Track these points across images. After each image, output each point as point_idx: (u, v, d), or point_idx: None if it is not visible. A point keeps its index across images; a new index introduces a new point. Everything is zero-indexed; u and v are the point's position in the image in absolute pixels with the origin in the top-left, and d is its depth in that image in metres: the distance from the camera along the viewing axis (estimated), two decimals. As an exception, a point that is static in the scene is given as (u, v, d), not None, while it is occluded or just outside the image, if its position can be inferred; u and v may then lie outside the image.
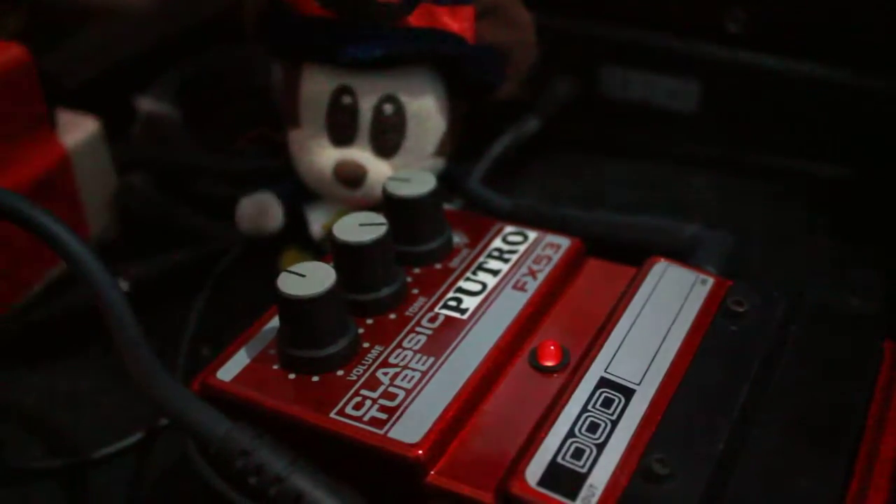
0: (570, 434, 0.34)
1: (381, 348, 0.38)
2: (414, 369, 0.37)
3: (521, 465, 0.33)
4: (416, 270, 0.43)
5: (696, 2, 0.63)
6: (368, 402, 0.36)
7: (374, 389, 0.36)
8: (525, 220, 0.48)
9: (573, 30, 0.66)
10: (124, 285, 0.54)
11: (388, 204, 0.43)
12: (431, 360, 0.38)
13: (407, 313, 0.40)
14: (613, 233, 0.50)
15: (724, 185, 0.64)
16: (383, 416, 0.35)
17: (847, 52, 0.61)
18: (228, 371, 0.38)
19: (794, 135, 0.64)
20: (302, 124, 0.50)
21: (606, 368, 0.37)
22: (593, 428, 0.35)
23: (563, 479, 0.33)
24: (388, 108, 0.48)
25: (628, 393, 0.36)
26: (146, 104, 0.67)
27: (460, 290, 0.41)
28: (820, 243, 0.58)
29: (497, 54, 0.49)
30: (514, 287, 0.41)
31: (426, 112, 0.48)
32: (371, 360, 0.38)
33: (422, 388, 0.36)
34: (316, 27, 0.47)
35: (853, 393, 0.38)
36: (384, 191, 0.43)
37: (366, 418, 0.35)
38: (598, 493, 0.32)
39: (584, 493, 0.32)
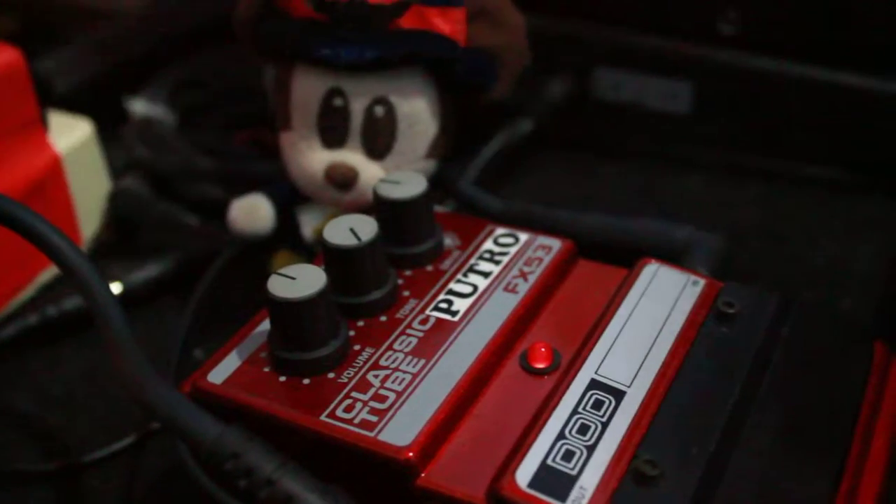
0: (561, 436, 0.34)
1: (371, 350, 0.38)
2: (405, 371, 0.37)
3: (511, 467, 0.33)
4: (408, 272, 0.43)
5: (688, 3, 0.63)
6: (359, 405, 0.36)
7: (364, 392, 0.36)
8: (516, 221, 0.48)
9: (566, 31, 0.66)
10: (116, 288, 0.54)
11: (379, 206, 0.43)
12: (422, 362, 0.38)
13: (398, 315, 0.40)
14: (605, 234, 0.50)
15: (718, 186, 0.64)
16: (374, 418, 0.35)
17: (840, 54, 0.61)
18: (219, 373, 0.38)
19: (786, 136, 0.64)
20: (293, 126, 0.50)
21: (597, 370, 0.37)
22: (584, 430, 0.35)
23: (554, 480, 0.33)
24: (380, 111, 0.48)
25: (619, 395, 0.36)
26: (139, 106, 0.67)
27: (451, 292, 0.41)
28: (811, 245, 0.58)
29: (489, 56, 0.49)
30: (506, 289, 0.42)
31: (417, 114, 0.48)
32: (362, 363, 0.38)
33: (412, 391, 0.36)
34: (308, 30, 0.47)
35: (844, 394, 0.38)
36: (375, 193, 0.43)
37: (356, 420, 0.35)
38: (588, 494, 0.32)
39: (574, 494, 0.32)
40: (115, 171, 0.62)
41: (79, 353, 0.53)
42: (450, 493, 0.34)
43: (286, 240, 0.52)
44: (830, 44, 0.61)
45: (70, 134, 0.58)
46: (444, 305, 0.41)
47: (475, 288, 0.42)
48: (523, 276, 0.42)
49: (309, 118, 0.49)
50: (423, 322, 0.40)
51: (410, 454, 0.34)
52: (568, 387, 0.36)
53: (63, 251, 0.38)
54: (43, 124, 0.56)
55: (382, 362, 0.38)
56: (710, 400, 0.36)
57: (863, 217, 0.60)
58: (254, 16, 0.49)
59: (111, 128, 0.64)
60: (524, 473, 0.33)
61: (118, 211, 0.60)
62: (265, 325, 0.40)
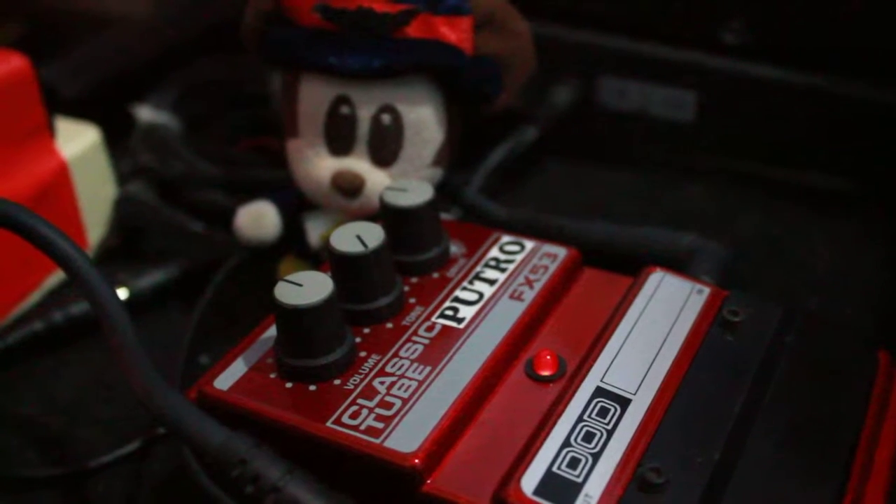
0: (566, 443, 0.34)
1: (377, 357, 0.39)
2: (411, 378, 0.37)
3: (517, 474, 0.33)
4: (414, 280, 0.43)
5: (693, 12, 0.64)
6: (365, 411, 0.36)
7: (370, 398, 0.37)
8: (522, 229, 0.48)
9: (571, 39, 0.66)
10: (122, 294, 0.54)
11: (386, 213, 0.43)
12: (428, 369, 0.38)
13: (404, 322, 0.40)
14: (610, 242, 0.50)
15: (721, 194, 0.64)
16: (380, 425, 0.35)
17: (844, 63, 0.61)
18: (226, 380, 0.38)
19: (789, 145, 0.64)
20: (300, 134, 0.50)
21: (602, 378, 0.37)
22: (589, 437, 0.35)
23: (559, 488, 0.33)
24: (386, 119, 0.48)
25: (624, 402, 0.36)
26: (145, 113, 0.67)
27: (457, 299, 0.42)
28: (816, 254, 0.58)
29: (495, 64, 0.49)
30: (511, 296, 0.42)
31: (424, 122, 0.49)
32: (368, 370, 0.38)
33: (418, 398, 0.36)
34: (315, 38, 0.48)
35: (848, 403, 0.38)
36: (381, 200, 0.43)
37: (362, 427, 0.35)
38: (594, 502, 0.32)
39: (579, 502, 0.32)
40: (122, 177, 0.62)
41: (85, 359, 0.53)
42: (455, 499, 0.34)
43: (292, 247, 0.52)
44: (834, 53, 0.61)
45: (76, 140, 0.58)
46: (449, 313, 0.41)
47: (481, 295, 0.42)
48: (529, 283, 0.42)
49: (316, 126, 0.49)
50: (429, 329, 0.40)
51: (416, 461, 0.34)
52: (573, 394, 0.36)
53: (70, 257, 0.38)
54: (50, 130, 0.56)
55: (388, 369, 0.38)
56: (715, 408, 0.36)
57: (864, 226, 0.60)
58: (261, 24, 0.50)
59: (117, 134, 0.64)
60: (529, 481, 0.33)
61: (124, 217, 0.61)
62: (271, 331, 0.40)
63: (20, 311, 0.55)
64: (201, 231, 0.57)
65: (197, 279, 0.54)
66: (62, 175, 0.56)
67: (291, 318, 0.37)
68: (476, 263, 0.44)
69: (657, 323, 0.40)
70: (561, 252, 0.44)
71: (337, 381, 0.37)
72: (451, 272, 0.43)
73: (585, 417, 0.35)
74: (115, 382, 0.51)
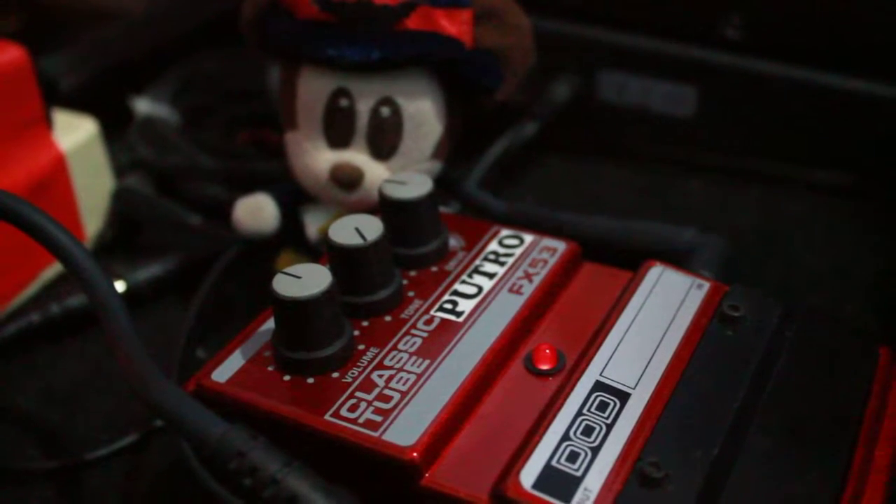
0: (566, 437, 0.34)
1: (376, 350, 0.38)
2: (409, 372, 0.37)
3: (516, 468, 0.33)
4: (412, 273, 0.43)
5: (693, 7, 0.63)
6: (363, 405, 0.36)
7: (369, 391, 0.36)
8: (521, 223, 0.48)
9: (571, 33, 0.66)
10: (120, 286, 0.54)
11: (385, 206, 0.43)
12: (427, 362, 0.38)
13: (402, 316, 0.40)
14: (609, 237, 0.50)
15: (721, 190, 0.64)
16: (378, 418, 0.35)
17: (844, 58, 0.61)
18: (224, 372, 0.38)
19: (790, 140, 0.64)
20: (299, 126, 0.50)
21: (602, 372, 0.37)
22: (588, 431, 0.35)
23: (558, 482, 0.33)
24: (385, 111, 0.48)
25: (623, 397, 0.36)
26: (143, 106, 0.67)
27: (456, 292, 0.41)
28: (816, 249, 0.58)
29: (495, 58, 0.49)
30: (510, 290, 0.41)
31: (423, 115, 0.48)
32: (366, 363, 0.38)
33: (417, 391, 0.36)
34: (314, 30, 0.47)
35: (848, 398, 0.38)
36: (380, 193, 0.43)
37: (361, 420, 0.35)
38: (593, 496, 0.32)
39: (578, 496, 0.32)
40: (119, 169, 0.62)
41: (82, 351, 0.53)
42: (454, 493, 0.34)
43: (290, 240, 0.52)
44: (835, 48, 0.61)
45: (74, 132, 0.58)
46: (448, 306, 0.41)
47: (480, 289, 0.42)
48: (528, 277, 0.42)
49: (314, 118, 0.49)
50: (428, 322, 0.40)
51: (414, 454, 0.34)
52: (573, 388, 0.36)
53: (68, 249, 0.38)
54: (47, 122, 0.56)
55: (387, 362, 0.38)
56: (714, 403, 0.36)
57: (865, 222, 0.60)
58: (259, 16, 0.49)
59: (115, 127, 0.64)
60: (528, 474, 0.33)
61: (121, 210, 0.60)
62: (269, 324, 0.40)
63: (17, 303, 0.55)
64: (199, 224, 0.57)
65: (194, 272, 0.54)
66: (59, 167, 0.56)
67: (290, 310, 0.37)
68: (475, 257, 0.44)
69: (657, 317, 0.40)
70: (560, 246, 0.44)
71: (335, 374, 0.37)
72: (450, 265, 0.43)
73: (585, 411, 0.35)
74: (113, 375, 0.50)
